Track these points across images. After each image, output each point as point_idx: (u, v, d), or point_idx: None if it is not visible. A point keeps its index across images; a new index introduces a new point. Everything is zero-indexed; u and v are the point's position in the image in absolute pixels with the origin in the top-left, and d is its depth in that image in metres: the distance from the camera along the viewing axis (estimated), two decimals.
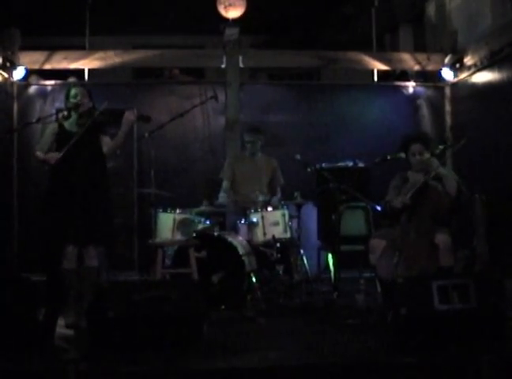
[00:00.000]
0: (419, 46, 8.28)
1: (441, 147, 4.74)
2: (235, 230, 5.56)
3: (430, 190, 4.61)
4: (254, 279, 5.04)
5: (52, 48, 6.95)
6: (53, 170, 4.47)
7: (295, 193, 5.37)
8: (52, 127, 4.58)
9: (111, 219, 4.65)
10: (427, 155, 4.71)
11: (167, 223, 5.17)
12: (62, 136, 4.50)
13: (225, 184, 5.92)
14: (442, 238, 4.45)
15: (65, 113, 4.56)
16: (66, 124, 4.56)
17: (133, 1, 7.96)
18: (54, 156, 4.39)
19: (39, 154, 4.50)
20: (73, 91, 4.53)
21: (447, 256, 4.43)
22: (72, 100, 4.52)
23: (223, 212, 5.76)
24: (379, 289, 4.74)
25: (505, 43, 5.88)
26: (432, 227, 4.54)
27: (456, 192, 4.59)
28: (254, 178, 5.85)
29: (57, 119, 4.70)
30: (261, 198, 5.45)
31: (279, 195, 5.86)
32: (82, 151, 4.40)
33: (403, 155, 4.92)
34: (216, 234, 5.29)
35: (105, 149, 4.56)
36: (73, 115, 4.52)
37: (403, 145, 4.83)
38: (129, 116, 4.53)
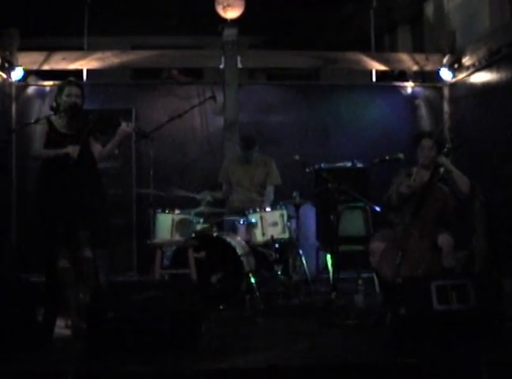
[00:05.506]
0: (417, 47, 8.30)
1: (448, 146, 4.69)
2: (234, 230, 5.56)
3: (435, 191, 4.57)
4: (252, 280, 5.04)
5: (51, 49, 6.94)
6: (43, 173, 4.41)
7: (294, 193, 5.36)
8: (42, 128, 4.43)
9: (106, 220, 4.60)
10: (434, 153, 4.69)
11: (165, 223, 5.16)
12: (52, 135, 4.40)
13: (224, 187, 6.00)
14: (445, 240, 4.43)
15: (54, 105, 4.46)
16: (56, 124, 4.44)
17: (132, 1, 7.95)
18: (75, 149, 4.29)
19: (45, 151, 4.36)
20: (67, 90, 4.43)
21: (450, 257, 4.41)
22: (64, 98, 4.41)
23: (221, 212, 5.76)
24: (378, 289, 4.75)
25: (503, 43, 5.88)
26: (435, 228, 4.52)
27: (469, 191, 4.56)
28: (249, 180, 5.88)
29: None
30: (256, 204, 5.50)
31: (271, 197, 5.84)
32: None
33: (401, 155, 4.93)
34: (214, 234, 5.29)
35: (96, 155, 4.49)
36: (63, 116, 4.43)
37: (415, 139, 4.82)
38: (125, 128, 4.44)
